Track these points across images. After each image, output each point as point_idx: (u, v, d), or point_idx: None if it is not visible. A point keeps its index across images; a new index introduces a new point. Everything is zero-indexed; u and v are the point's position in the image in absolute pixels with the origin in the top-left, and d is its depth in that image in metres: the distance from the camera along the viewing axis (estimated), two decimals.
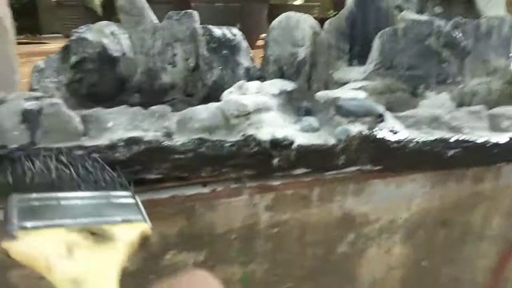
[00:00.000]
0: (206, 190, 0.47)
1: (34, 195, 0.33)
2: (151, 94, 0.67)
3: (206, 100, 0.67)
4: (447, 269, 0.64)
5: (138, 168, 0.43)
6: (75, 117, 0.42)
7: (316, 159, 0.48)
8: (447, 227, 0.61)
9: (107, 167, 0.39)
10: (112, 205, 0.35)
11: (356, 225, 0.54)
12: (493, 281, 0.68)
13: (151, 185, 0.45)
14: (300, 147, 0.47)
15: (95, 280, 0.26)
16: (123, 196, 0.37)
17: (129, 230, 0.32)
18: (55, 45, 2.71)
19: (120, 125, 0.43)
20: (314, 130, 0.50)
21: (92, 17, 2.96)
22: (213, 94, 0.67)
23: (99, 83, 0.63)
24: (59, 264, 0.27)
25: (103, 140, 0.42)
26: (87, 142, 0.42)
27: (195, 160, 0.45)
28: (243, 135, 0.46)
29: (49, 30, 3.55)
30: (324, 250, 0.54)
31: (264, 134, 0.46)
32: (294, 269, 0.52)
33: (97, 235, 0.30)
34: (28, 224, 0.30)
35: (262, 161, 0.46)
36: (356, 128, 0.47)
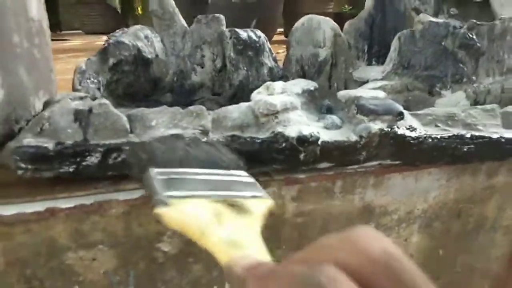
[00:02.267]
0: None
1: (169, 169, 0.35)
2: (181, 94, 0.71)
3: (232, 98, 0.71)
4: (463, 257, 0.67)
5: None
6: (122, 116, 0.46)
7: (339, 154, 0.51)
8: (462, 218, 0.64)
9: (223, 150, 0.42)
10: (237, 182, 0.38)
11: (375, 216, 0.57)
12: (506, 269, 0.71)
13: None
14: (325, 143, 0.50)
15: (247, 244, 0.28)
16: (242, 175, 0.40)
17: (259, 204, 0.35)
18: (76, 41, 2.78)
19: (162, 123, 0.47)
20: (337, 127, 0.54)
21: (111, 14, 3.02)
22: (239, 93, 0.71)
23: (135, 83, 0.68)
24: (211, 229, 0.28)
25: (148, 137, 0.46)
26: (134, 139, 0.46)
27: None
28: (272, 132, 0.50)
29: (69, 27, 3.62)
30: None
31: (292, 131, 0.50)
32: None
33: (235, 207, 0.32)
34: (175, 193, 0.32)
35: (289, 156, 0.50)
36: (377, 125, 0.51)
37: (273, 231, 0.53)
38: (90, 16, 3.30)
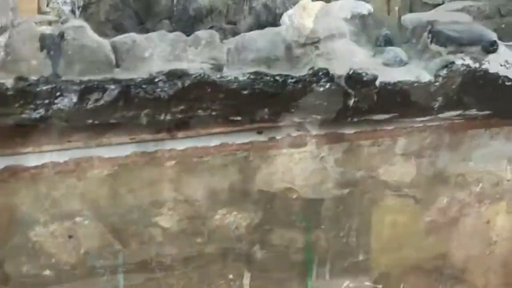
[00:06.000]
0: (262, 138, 0.48)
1: None
2: (184, 21, 0.68)
3: (253, 29, 0.68)
4: None
5: (181, 108, 0.45)
6: (105, 43, 0.44)
7: (404, 101, 0.48)
8: None
9: None
10: None
11: (450, 187, 0.55)
12: None
13: (197, 129, 0.47)
14: (385, 84, 0.48)
15: None
16: None
17: None
18: None
19: (159, 54, 0.45)
20: (401, 63, 0.51)
21: None
22: (262, 22, 0.68)
23: (121, 5, 0.64)
24: None
25: (140, 73, 0.44)
26: (121, 75, 0.44)
27: (250, 99, 0.46)
28: (311, 68, 0.47)
29: None
30: (406, 217, 0.55)
31: (338, 67, 0.47)
32: (369, 239, 0.54)
33: None
34: None
35: (335, 102, 0.48)
36: (459, 60, 0.47)
37: (309, 206, 0.52)
38: None
